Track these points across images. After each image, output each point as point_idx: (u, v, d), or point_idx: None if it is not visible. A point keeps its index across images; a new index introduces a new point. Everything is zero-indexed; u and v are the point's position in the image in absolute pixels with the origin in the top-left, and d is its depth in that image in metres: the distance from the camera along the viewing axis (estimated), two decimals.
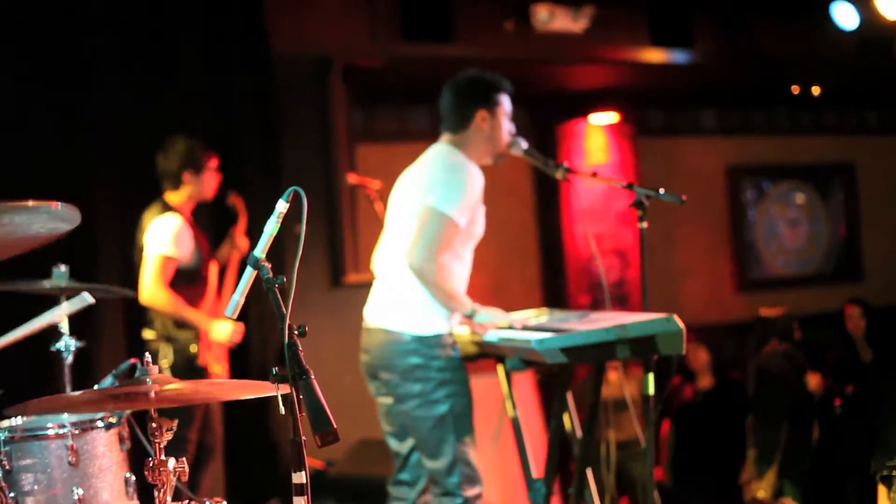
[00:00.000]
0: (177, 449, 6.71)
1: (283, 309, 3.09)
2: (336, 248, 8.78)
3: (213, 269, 7.12)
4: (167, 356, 6.72)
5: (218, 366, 6.96)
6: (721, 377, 9.93)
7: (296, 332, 3.10)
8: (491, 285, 5.44)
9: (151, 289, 6.65)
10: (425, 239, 5.05)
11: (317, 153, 8.79)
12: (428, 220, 5.07)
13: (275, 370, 3.02)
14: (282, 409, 2.98)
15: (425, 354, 5.16)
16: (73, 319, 5.48)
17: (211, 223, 7.56)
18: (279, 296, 3.15)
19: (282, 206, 3.28)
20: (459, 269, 5.25)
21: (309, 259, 8.66)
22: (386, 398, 5.38)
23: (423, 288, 5.08)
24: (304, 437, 2.95)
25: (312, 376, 3.00)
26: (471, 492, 5.17)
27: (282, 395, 2.98)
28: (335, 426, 2.88)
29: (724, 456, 9.03)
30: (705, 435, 9.17)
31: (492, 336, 5.13)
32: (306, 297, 8.49)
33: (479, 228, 5.29)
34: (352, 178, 8.44)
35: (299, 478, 2.97)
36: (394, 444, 5.47)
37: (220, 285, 7.27)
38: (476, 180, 5.17)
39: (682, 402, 9.52)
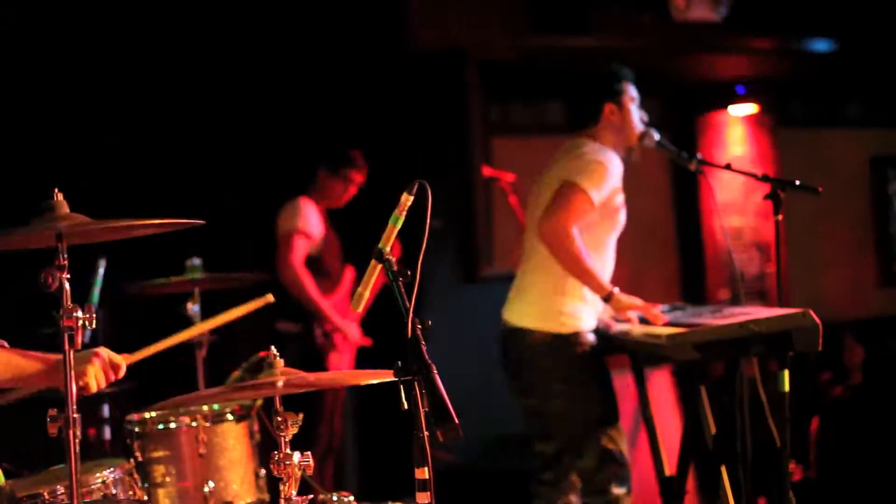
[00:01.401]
0: (306, 443, 6.80)
1: (407, 303, 3.05)
2: (470, 242, 8.76)
3: (347, 274, 7.15)
4: (298, 349, 6.76)
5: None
6: (871, 374, 9.68)
7: (419, 327, 3.04)
8: (629, 280, 5.35)
9: (286, 266, 6.70)
10: (557, 207, 4.98)
11: (452, 147, 8.78)
12: (562, 192, 5.01)
13: (398, 364, 2.98)
14: (404, 405, 2.95)
15: (566, 353, 5.10)
16: (210, 313, 5.54)
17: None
18: (403, 289, 3.11)
19: (406, 199, 3.24)
20: (602, 258, 5.17)
21: (443, 253, 8.65)
22: (529, 398, 5.33)
23: (557, 259, 4.99)
24: (427, 433, 2.92)
25: (435, 371, 2.95)
26: (619, 490, 5.09)
27: (404, 391, 2.95)
28: (457, 421, 2.84)
29: (875, 454, 8.81)
30: (856, 433, 8.96)
31: (625, 331, 5.05)
32: (440, 292, 8.49)
33: (622, 216, 5.20)
34: (487, 171, 8.40)
35: (422, 473, 2.94)
36: (538, 444, 5.41)
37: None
38: (614, 163, 5.11)
39: (832, 399, 9.31)
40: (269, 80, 7.96)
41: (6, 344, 3.48)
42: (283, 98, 8.01)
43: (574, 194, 4.99)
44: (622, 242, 5.38)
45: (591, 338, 5.13)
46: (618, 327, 5.15)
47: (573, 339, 5.09)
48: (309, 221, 6.84)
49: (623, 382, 5.77)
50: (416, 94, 8.54)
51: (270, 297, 4.61)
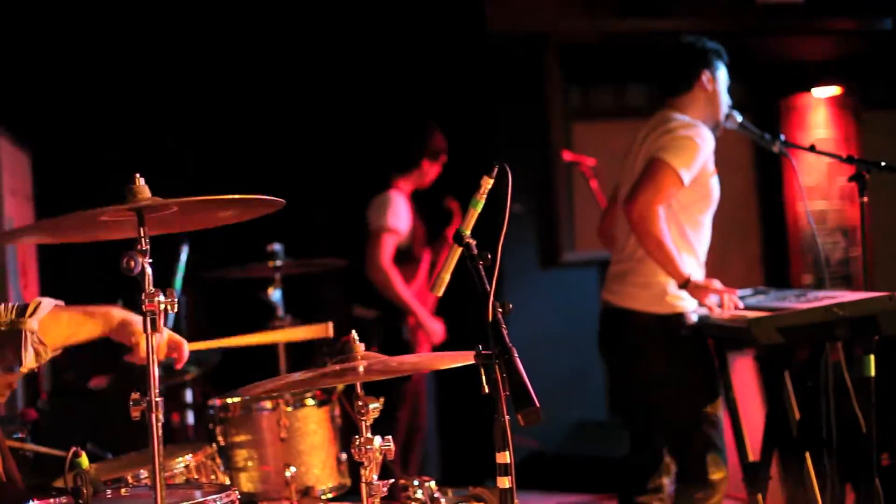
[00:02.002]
0: (387, 428, 6.81)
1: (487, 286, 3.03)
2: (551, 226, 8.72)
3: (426, 257, 7.15)
4: (378, 335, 6.77)
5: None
6: None
7: (500, 310, 3.02)
8: (711, 263, 5.28)
9: (377, 266, 6.70)
10: (645, 185, 4.90)
11: (533, 131, 8.75)
12: (651, 169, 4.93)
13: (478, 348, 2.97)
14: (485, 388, 2.94)
15: (667, 334, 5.03)
16: (291, 298, 5.57)
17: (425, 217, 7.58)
18: (483, 273, 3.09)
19: (486, 182, 3.23)
20: (696, 237, 5.09)
21: (523, 238, 8.63)
22: (628, 380, 5.27)
23: (638, 238, 4.93)
24: (507, 417, 2.90)
25: (516, 354, 2.93)
26: (716, 475, 5.03)
27: (485, 374, 2.93)
28: (538, 405, 2.82)
29: None
30: None
31: (706, 315, 4.99)
32: (521, 277, 8.47)
33: (715, 193, 5.12)
34: (567, 156, 8.36)
35: (503, 458, 2.92)
36: (630, 426, 5.36)
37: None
38: (706, 140, 5.01)
39: None
40: (349, 66, 7.99)
41: (63, 303, 3.51)
42: (364, 83, 8.03)
43: (662, 172, 4.91)
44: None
45: (694, 319, 5.05)
46: (700, 311, 5.09)
47: (677, 320, 5.02)
48: (399, 216, 6.84)
49: None
50: (496, 79, 8.52)
51: (330, 331, 4.61)
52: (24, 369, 3.41)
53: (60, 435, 5.30)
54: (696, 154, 4.95)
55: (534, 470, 8.06)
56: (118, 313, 3.49)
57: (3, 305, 3.39)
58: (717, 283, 4.99)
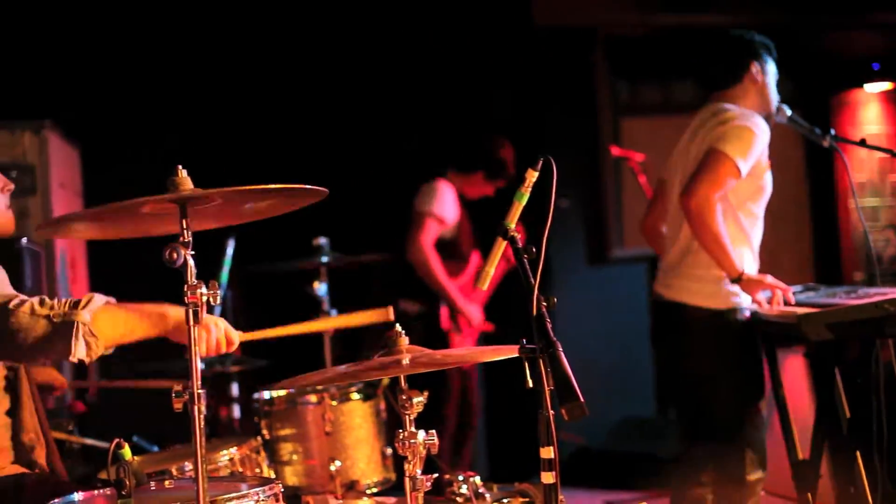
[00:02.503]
0: (434, 425, 6.80)
1: (532, 280, 3.01)
2: (599, 222, 8.69)
3: (474, 258, 7.13)
4: (419, 329, 6.75)
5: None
6: None
7: (544, 304, 3.00)
8: (762, 260, 5.23)
9: (416, 246, 6.69)
10: (701, 175, 4.82)
11: (580, 127, 8.72)
12: (708, 159, 4.86)
13: (523, 342, 2.94)
14: (529, 383, 2.92)
15: (719, 329, 4.98)
16: (337, 293, 5.57)
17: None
18: (528, 267, 3.07)
19: (531, 175, 3.20)
20: (752, 230, 5.04)
21: (572, 234, 8.60)
22: (678, 374, 5.23)
23: (692, 229, 4.88)
24: (552, 412, 2.88)
25: (560, 349, 2.90)
26: (754, 475, 4.97)
27: (529, 368, 2.91)
28: (582, 399, 2.79)
29: None
30: None
31: (756, 311, 4.94)
32: (569, 273, 8.45)
33: (768, 185, 5.06)
34: (615, 151, 8.32)
35: (547, 453, 2.89)
36: (687, 421, 5.31)
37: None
38: (761, 128, 4.94)
39: None
40: (399, 60, 7.99)
41: (114, 300, 3.51)
42: (412, 77, 8.02)
43: (720, 162, 4.83)
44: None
45: (747, 314, 5.00)
46: (752, 307, 5.03)
47: (731, 315, 4.96)
48: (444, 205, 6.82)
49: None
50: (544, 74, 8.49)
51: (391, 315, 4.60)
52: (72, 358, 3.43)
53: (108, 428, 5.34)
54: (754, 143, 4.89)
55: (579, 466, 8.04)
56: (173, 314, 3.48)
57: (56, 299, 3.40)
58: (769, 279, 4.93)
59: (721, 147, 4.84)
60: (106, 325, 3.40)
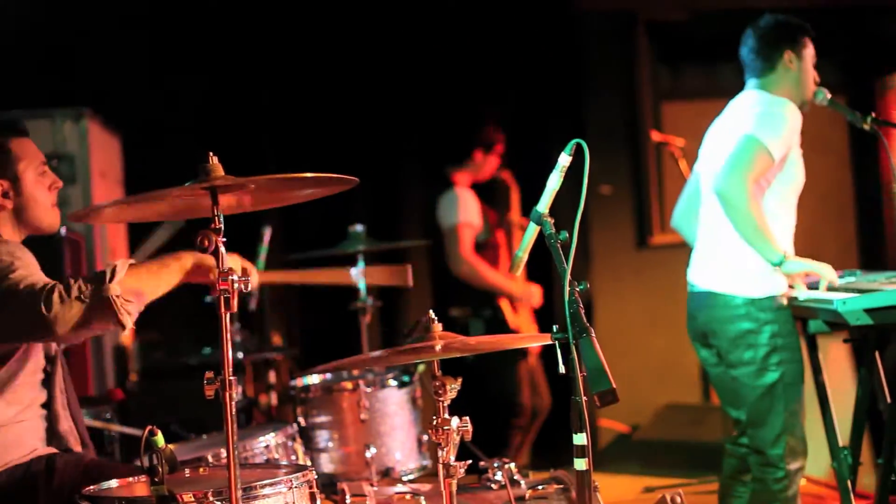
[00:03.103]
0: (511, 414, 6.79)
1: (565, 265, 2.99)
2: (641, 208, 8.65)
3: (501, 241, 7.13)
4: (478, 330, 6.76)
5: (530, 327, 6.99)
6: None
7: (577, 289, 2.97)
8: (805, 245, 5.17)
9: (461, 259, 6.70)
10: (735, 163, 4.77)
11: (621, 111, 8.68)
12: (741, 146, 4.80)
13: (555, 328, 2.93)
14: (561, 369, 2.90)
15: (757, 319, 4.92)
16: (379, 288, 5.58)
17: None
18: (561, 252, 3.04)
19: (564, 160, 3.18)
20: (783, 215, 5.00)
21: (614, 219, 8.57)
22: (716, 368, 5.19)
23: (729, 217, 4.84)
24: (585, 398, 2.86)
25: (593, 334, 2.88)
26: (793, 465, 4.92)
27: (562, 355, 2.89)
28: (614, 386, 2.77)
29: None
30: None
31: (796, 295, 4.89)
32: (612, 259, 8.42)
33: (799, 173, 5.02)
34: (655, 136, 8.26)
35: (580, 439, 2.88)
36: (732, 412, 5.27)
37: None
38: (795, 116, 4.90)
39: None
40: (436, 46, 7.97)
41: (133, 260, 3.54)
42: (452, 63, 8.01)
43: (753, 149, 4.79)
44: (799, 208, 5.19)
45: (784, 301, 4.95)
46: (791, 293, 4.98)
47: (766, 303, 4.91)
48: (469, 211, 6.83)
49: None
50: (585, 58, 8.45)
51: (409, 278, 4.57)
52: (126, 331, 3.48)
53: (148, 415, 5.36)
54: (786, 130, 4.85)
55: (623, 452, 8.02)
56: (188, 258, 3.59)
57: (79, 282, 3.40)
58: (812, 263, 4.88)
59: (755, 133, 4.80)
60: (135, 284, 3.45)
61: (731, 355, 4.97)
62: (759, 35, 5.13)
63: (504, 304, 6.90)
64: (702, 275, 5.12)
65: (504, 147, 7.10)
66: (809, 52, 5.10)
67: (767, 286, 4.89)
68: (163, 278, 3.58)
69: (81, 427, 3.92)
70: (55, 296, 3.35)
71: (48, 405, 3.79)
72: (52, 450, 3.76)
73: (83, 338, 3.71)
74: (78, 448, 3.84)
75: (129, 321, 3.43)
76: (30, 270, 3.53)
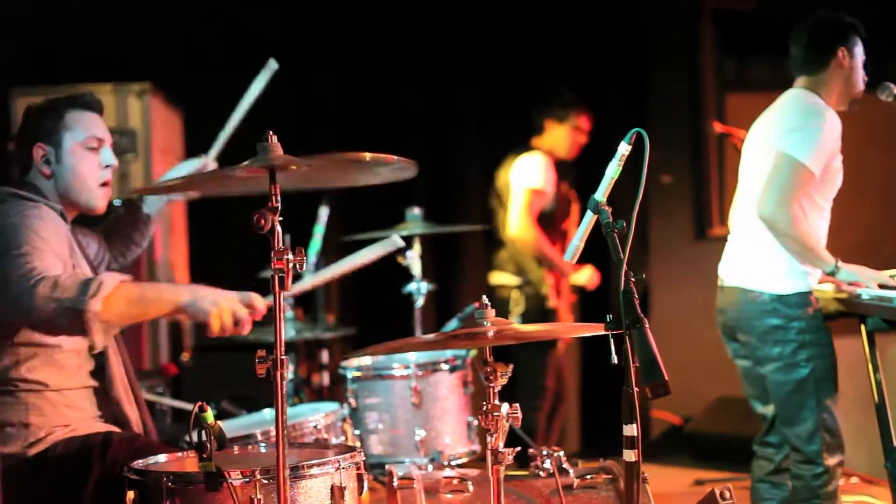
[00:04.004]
0: (534, 396, 6.78)
1: (621, 254, 2.97)
2: (701, 199, 8.59)
3: (570, 229, 7.11)
4: (519, 303, 6.73)
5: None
6: None
7: (633, 280, 2.95)
8: (863, 243, 5.13)
9: (519, 222, 6.69)
10: (777, 186, 4.78)
11: (684, 102, 8.62)
12: (780, 167, 4.80)
13: (609, 318, 2.91)
14: (614, 359, 2.88)
15: (785, 315, 4.91)
16: (431, 264, 5.56)
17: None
18: (618, 242, 3.02)
19: (624, 149, 3.16)
20: (819, 222, 4.97)
21: (673, 210, 8.53)
22: (744, 360, 5.17)
23: (777, 240, 4.83)
24: (636, 389, 2.84)
25: (647, 325, 2.86)
26: (832, 460, 4.90)
27: (615, 345, 2.87)
28: (667, 378, 2.76)
29: None
30: None
31: (859, 293, 4.84)
32: (670, 249, 8.37)
33: (838, 178, 4.98)
34: (718, 127, 8.20)
35: (630, 430, 2.86)
36: (758, 406, 5.24)
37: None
38: (834, 126, 4.87)
39: None
40: (496, 32, 7.95)
41: (130, 278, 3.52)
42: (508, 48, 7.99)
43: (795, 171, 4.77)
44: (858, 205, 5.15)
45: (813, 299, 4.93)
46: (851, 289, 4.93)
47: (794, 299, 4.90)
48: (544, 177, 6.81)
49: (854, 347, 5.56)
50: (648, 47, 8.40)
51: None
52: (94, 351, 3.47)
53: (201, 390, 5.39)
54: (824, 143, 4.81)
55: (673, 444, 7.99)
56: (185, 296, 3.49)
57: (68, 281, 3.37)
58: (864, 272, 4.84)
59: (793, 153, 4.77)
60: (119, 306, 3.39)
61: (759, 351, 4.97)
62: (811, 32, 5.09)
63: (548, 286, 6.86)
64: (731, 270, 5.12)
65: (588, 124, 7.07)
66: (860, 50, 5.05)
67: (795, 283, 4.88)
68: (150, 308, 3.55)
69: (145, 414, 3.95)
70: (41, 288, 3.33)
71: (99, 374, 3.81)
72: (112, 427, 3.79)
73: (49, 335, 3.68)
74: (134, 417, 3.87)
75: (100, 341, 3.40)
76: (40, 251, 3.50)
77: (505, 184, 6.91)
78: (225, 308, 3.46)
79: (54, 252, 3.55)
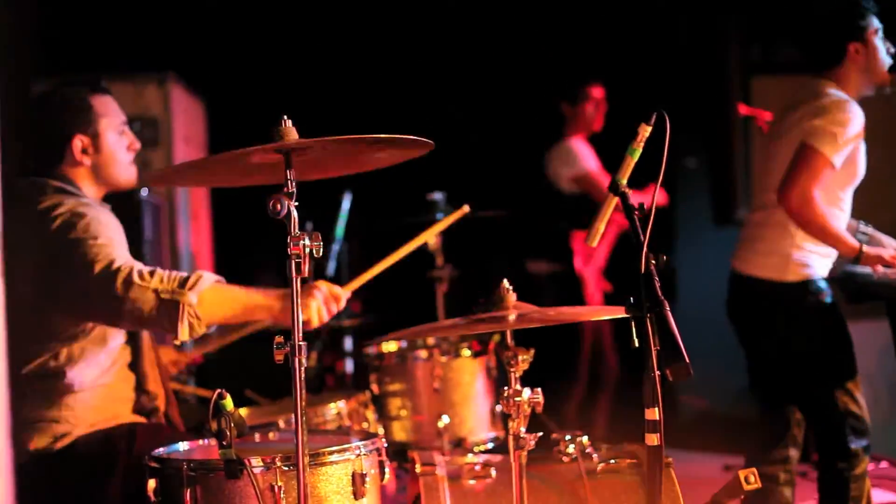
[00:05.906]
0: (569, 381, 6.75)
1: (642, 237, 2.93)
2: (726, 182, 8.55)
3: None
4: (553, 290, 6.73)
5: None
6: None
7: (653, 262, 2.92)
8: (893, 233, 5.09)
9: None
10: (798, 176, 4.74)
11: (710, 84, 8.57)
12: (803, 157, 4.76)
13: (630, 300, 2.87)
14: (635, 342, 2.85)
15: (796, 302, 4.88)
16: (454, 250, 5.54)
17: None
18: (638, 224, 2.98)
19: (644, 130, 3.12)
20: (838, 213, 4.93)
21: (698, 194, 8.48)
22: (755, 348, 5.14)
23: (801, 229, 4.79)
24: (658, 372, 2.81)
25: (668, 308, 2.82)
26: (856, 444, 4.87)
27: (636, 328, 2.84)
28: (688, 360, 2.72)
29: None
30: None
31: (882, 277, 4.80)
32: (695, 233, 8.33)
33: (861, 170, 4.93)
34: (743, 110, 8.15)
35: (652, 414, 2.82)
36: (757, 393, 5.23)
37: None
38: (856, 119, 4.80)
39: None
40: (526, 15, 7.93)
41: (223, 279, 3.54)
42: (531, 34, 7.96)
43: (815, 159, 4.73)
44: (889, 189, 5.10)
45: (824, 286, 4.88)
46: (870, 273, 4.89)
47: (804, 287, 4.86)
48: (588, 159, 6.84)
49: (881, 330, 5.52)
50: (673, 29, 8.36)
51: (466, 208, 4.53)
52: (176, 341, 3.48)
53: (225, 379, 5.37)
54: (848, 138, 4.76)
55: (701, 430, 7.95)
56: (277, 305, 3.59)
57: (165, 273, 3.43)
58: (888, 252, 4.79)
59: (816, 144, 4.73)
60: (212, 306, 3.48)
61: (771, 338, 4.94)
62: (818, 31, 4.98)
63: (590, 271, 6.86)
64: (740, 260, 5.08)
65: (601, 92, 7.06)
66: (874, 29, 4.92)
67: (805, 272, 4.85)
68: (244, 311, 3.61)
69: (173, 408, 3.96)
70: (135, 276, 3.38)
71: (134, 365, 3.82)
72: (138, 418, 3.79)
73: (136, 329, 3.72)
74: (163, 408, 3.88)
75: (186, 333, 3.44)
76: (111, 243, 3.54)
77: (554, 174, 6.92)
78: (319, 300, 3.60)
79: (125, 246, 3.60)
